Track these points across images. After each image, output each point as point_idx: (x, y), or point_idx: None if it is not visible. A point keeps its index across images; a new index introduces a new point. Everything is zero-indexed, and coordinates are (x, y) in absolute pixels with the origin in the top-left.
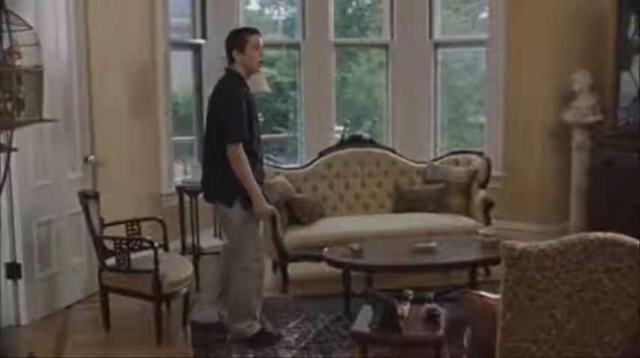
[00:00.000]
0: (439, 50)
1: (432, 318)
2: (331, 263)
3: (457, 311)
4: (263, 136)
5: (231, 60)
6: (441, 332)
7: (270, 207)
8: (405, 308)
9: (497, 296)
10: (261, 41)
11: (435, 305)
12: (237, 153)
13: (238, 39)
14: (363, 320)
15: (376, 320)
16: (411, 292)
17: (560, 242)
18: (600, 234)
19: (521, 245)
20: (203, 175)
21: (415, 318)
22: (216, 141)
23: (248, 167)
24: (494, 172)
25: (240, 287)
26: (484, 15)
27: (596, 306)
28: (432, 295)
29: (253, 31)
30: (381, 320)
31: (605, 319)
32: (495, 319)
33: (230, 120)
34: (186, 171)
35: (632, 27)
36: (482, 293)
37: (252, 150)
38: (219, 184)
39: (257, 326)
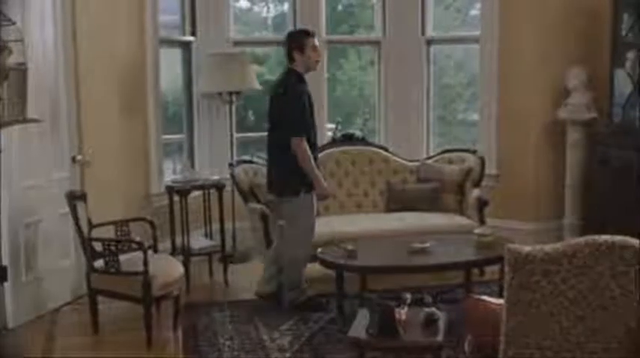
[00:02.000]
0: (432, 47)
1: (431, 323)
2: (324, 264)
3: (454, 312)
4: (256, 134)
5: (291, 59)
6: (440, 338)
7: (329, 188)
8: (402, 313)
9: (500, 301)
10: (317, 42)
11: (433, 310)
12: (302, 146)
13: (298, 41)
14: (360, 325)
15: (374, 325)
16: (409, 295)
17: (566, 245)
18: (608, 237)
19: (526, 249)
20: (268, 169)
21: (414, 323)
22: (282, 136)
23: (310, 156)
24: (487, 170)
25: (291, 263)
26: (474, 12)
27: (604, 312)
28: (430, 298)
29: (311, 34)
30: (379, 325)
31: (612, 325)
32: (498, 325)
33: (294, 116)
34: (176, 171)
35: (627, 23)
36: (485, 297)
37: (311, 141)
38: (286, 177)
39: (307, 294)
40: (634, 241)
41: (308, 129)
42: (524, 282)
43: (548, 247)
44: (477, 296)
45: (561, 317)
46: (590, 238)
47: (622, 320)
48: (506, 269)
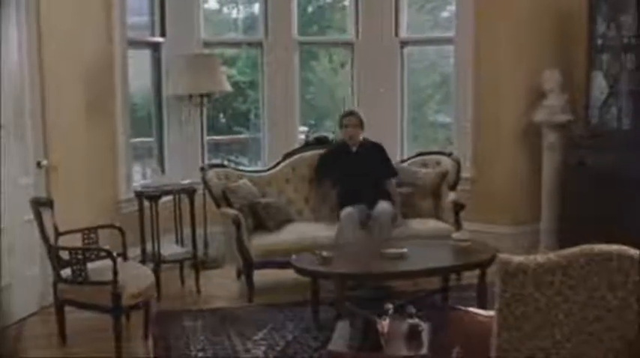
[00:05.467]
0: (405, 49)
1: (414, 335)
2: (299, 271)
3: (435, 320)
4: (225, 137)
5: None
6: (425, 350)
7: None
8: (385, 324)
9: (490, 313)
10: (347, 121)
11: (417, 320)
12: None
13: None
14: (340, 338)
15: (355, 338)
16: (390, 306)
17: (560, 255)
18: (604, 247)
19: (517, 259)
20: None
21: (397, 335)
22: None
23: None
24: (462, 174)
25: None
26: (445, 14)
27: (600, 325)
28: (413, 309)
29: (346, 114)
30: (361, 338)
31: (609, 338)
32: (487, 339)
33: None
34: (145, 175)
35: (603, 25)
36: (472, 309)
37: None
38: None
39: None
40: (631, 250)
41: (327, 178)
42: (516, 294)
43: (542, 258)
44: (465, 308)
45: (555, 331)
46: (586, 247)
47: (619, 333)
48: (497, 280)
